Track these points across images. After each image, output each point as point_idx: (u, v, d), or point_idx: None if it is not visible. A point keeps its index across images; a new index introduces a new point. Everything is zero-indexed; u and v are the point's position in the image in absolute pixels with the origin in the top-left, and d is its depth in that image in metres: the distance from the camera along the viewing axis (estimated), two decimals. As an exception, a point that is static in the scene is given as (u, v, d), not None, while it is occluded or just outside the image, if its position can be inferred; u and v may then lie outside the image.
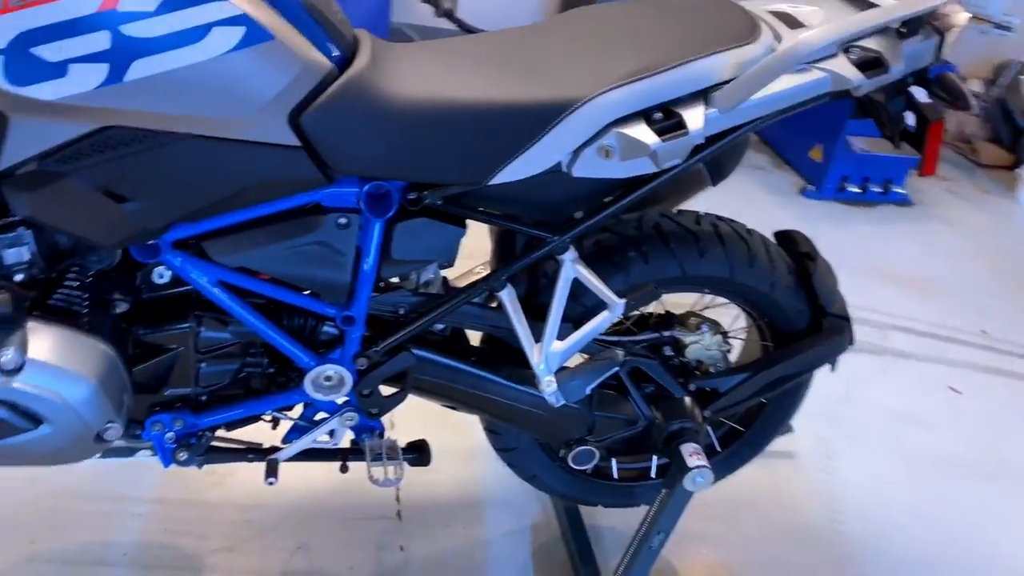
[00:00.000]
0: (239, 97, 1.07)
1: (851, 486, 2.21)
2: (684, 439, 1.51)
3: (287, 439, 1.48)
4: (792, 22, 1.30)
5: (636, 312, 1.53)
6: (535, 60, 1.26)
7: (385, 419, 1.49)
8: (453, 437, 1.96)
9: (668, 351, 1.58)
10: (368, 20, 3.84)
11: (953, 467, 2.35)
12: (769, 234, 1.62)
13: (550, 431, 1.56)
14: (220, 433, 1.44)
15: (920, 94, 1.33)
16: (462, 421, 1.69)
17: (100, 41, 0.99)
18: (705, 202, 1.63)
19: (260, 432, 1.47)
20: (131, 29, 1.00)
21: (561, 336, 1.39)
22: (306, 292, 1.32)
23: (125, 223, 1.13)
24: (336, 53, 1.15)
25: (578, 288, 1.38)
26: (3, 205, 1.12)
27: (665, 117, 1.20)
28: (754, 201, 3.71)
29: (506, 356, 1.48)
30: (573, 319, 1.41)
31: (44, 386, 1.14)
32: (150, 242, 1.20)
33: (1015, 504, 2.26)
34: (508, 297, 1.38)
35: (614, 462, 1.68)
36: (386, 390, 1.44)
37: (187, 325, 1.31)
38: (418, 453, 1.57)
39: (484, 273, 1.44)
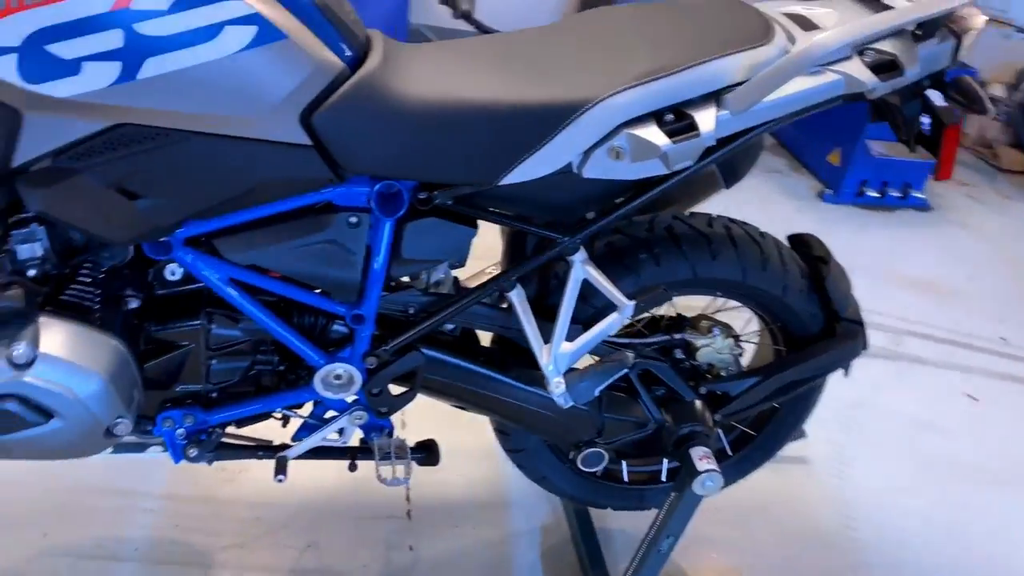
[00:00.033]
0: (251, 96, 1.07)
1: (865, 492, 2.19)
2: (694, 443, 1.51)
3: (297, 437, 1.49)
4: (806, 24, 1.29)
5: (647, 314, 1.53)
6: (546, 61, 1.26)
7: (396, 419, 1.49)
8: (465, 437, 1.97)
9: (679, 354, 1.57)
10: (387, 22, 3.84)
11: (969, 474, 2.33)
12: (786, 238, 1.61)
13: (559, 432, 1.55)
14: (230, 430, 1.45)
15: (937, 98, 1.32)
16: (474, 421, 1.69)
17: (113, 39, 1.00)
18: (722, 205, 1.63)
19: (270, 430, 1.48)
20: (144, 27, 1.01)
21: (571, 337, 1.39)
22: (317, 290, 1.33)
23: (137, 220, 1.14)
24: (348, 53, 1.15)
25: (588, 289, 1.37)
26: (17, 201, 1.13)
27: (677, 119, 1.19)
28: (772, 205, 3.68)
29: (516, 357, 1.48)
30: (583, 321, 1.41)
31: (55, 380, 1.15)
32: (162, 239, 1.21)
33: (1032, 513, 2.24)
34: (518, 298, 1.38)
35: (624, 465, 1.68)
36: (395, 389, 1.44)
37: (198, 322, 1.32)
38: (427, 453, 1.57)
39: (495, 273, 1.44)
